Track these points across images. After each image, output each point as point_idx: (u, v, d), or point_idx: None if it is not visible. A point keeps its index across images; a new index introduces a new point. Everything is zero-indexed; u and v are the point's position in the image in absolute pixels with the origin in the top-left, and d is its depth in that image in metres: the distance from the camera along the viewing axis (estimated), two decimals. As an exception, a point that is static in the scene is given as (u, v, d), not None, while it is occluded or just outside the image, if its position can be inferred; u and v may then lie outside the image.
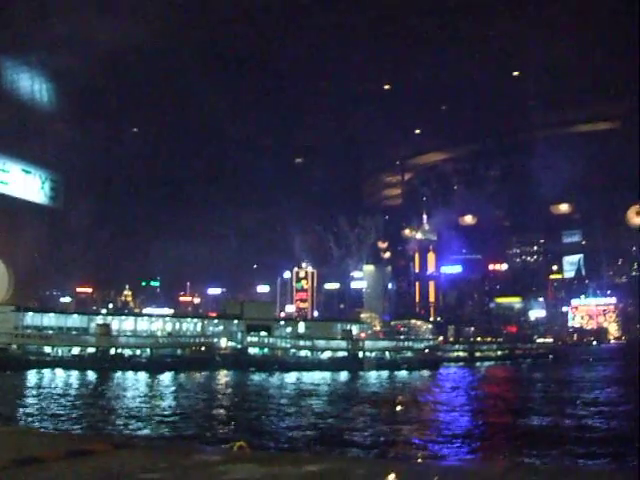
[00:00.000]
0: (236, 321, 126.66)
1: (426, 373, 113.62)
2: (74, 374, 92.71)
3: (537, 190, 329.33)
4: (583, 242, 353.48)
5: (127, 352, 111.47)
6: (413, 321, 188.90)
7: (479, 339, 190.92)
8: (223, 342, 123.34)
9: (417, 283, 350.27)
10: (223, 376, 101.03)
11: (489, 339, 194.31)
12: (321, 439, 39.96)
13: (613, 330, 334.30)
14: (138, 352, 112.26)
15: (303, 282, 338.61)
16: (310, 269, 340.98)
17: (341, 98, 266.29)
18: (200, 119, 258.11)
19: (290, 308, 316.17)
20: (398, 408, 55.70)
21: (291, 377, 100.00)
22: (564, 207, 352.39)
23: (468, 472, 11.23)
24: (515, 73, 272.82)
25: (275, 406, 58.89)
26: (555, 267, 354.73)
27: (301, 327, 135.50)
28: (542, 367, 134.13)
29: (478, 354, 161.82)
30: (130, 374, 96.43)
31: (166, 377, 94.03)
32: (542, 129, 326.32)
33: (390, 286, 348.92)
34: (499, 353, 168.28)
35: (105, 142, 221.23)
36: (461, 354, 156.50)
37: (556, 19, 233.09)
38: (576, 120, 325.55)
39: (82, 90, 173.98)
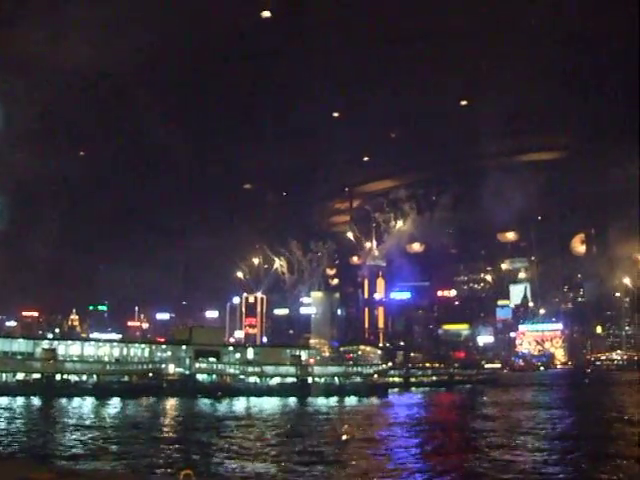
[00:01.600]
0: (184, 347, 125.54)
1: (375, 400, 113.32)
2: (19, 401, 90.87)
3: (485, 218, 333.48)
4: (529, 269, 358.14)
5: (73, 378, 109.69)
6: (362, 347, 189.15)
7: (427, 364, 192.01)
8: (171, 368, 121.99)
9: (366, 309, 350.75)
10: (170, 403, 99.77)
11: (428, 364, 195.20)
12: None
13: (560, 355, 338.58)
14: (84, 378, 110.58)
15: (252, 308, 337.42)
16: (260, 295, 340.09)
17: (290, 124, 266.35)
18: (148, 143, 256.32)
19: (239, 333, 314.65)
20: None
21: (239, 404, 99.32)
22: (511, 235, 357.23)
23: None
24: (463, 102, 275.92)
25: (219, 434, 58.28)
26: (502, 293, 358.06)
27: (250, 353, 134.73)
28: (484, 392, 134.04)
29: (413, 379, 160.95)
30: (76, 400, 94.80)
31: (112, 404, 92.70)
32: (490, 158, 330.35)
33: (339, 312, 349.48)
34: (434, 379, 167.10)
35: (52, 165, 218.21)
36: (396, 380, 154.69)
37: (505, 50, 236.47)
38: (523, 149, 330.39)
39: (27, 112, 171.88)
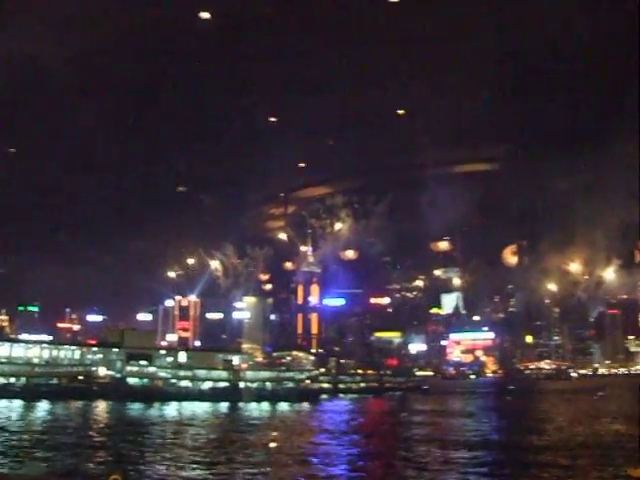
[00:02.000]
0: (116, 350, 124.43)
1: (307, 406, 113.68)
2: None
3: (419, 227, 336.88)
4: (462, 279, 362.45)
5: (1, 380, 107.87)
6: (295, 352, 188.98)
7: (359, 371, 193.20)
8: (102, 371, 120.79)
9: (300, 315, 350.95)
10: (100, 407, 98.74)
11: (360, 371, 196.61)
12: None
13: (490, 364, 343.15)
14: (12, 380, 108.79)
15: (186, 311, 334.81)
16: (193, 298, 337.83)
17: (226, 128, 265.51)
18: (81, 142, 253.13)
19: (172, 337, 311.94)
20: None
21: (171, 408, 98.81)
22: (444, 244, 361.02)
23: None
24: (400, 111, 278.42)
25: (149, 439, 57.97)
26: (435, 302, 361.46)
27: (182, 357, 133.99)
28: (414, 400, 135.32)
29: (342, 386, 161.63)
30: (3, 403, 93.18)
31: (41, 407, 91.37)
32: (426, 168, 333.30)
33: (273, 317, 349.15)
34: (362, 385, 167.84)
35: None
36: (327, 386, 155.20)
37: (442, 61, 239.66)
38: (459, 160, 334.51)
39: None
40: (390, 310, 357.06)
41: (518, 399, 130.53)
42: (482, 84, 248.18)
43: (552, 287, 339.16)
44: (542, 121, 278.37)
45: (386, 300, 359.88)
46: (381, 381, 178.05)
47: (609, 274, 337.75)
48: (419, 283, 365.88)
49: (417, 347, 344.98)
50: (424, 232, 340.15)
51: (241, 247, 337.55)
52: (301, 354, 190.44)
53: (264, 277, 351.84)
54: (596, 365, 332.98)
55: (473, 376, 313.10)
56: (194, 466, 43.19)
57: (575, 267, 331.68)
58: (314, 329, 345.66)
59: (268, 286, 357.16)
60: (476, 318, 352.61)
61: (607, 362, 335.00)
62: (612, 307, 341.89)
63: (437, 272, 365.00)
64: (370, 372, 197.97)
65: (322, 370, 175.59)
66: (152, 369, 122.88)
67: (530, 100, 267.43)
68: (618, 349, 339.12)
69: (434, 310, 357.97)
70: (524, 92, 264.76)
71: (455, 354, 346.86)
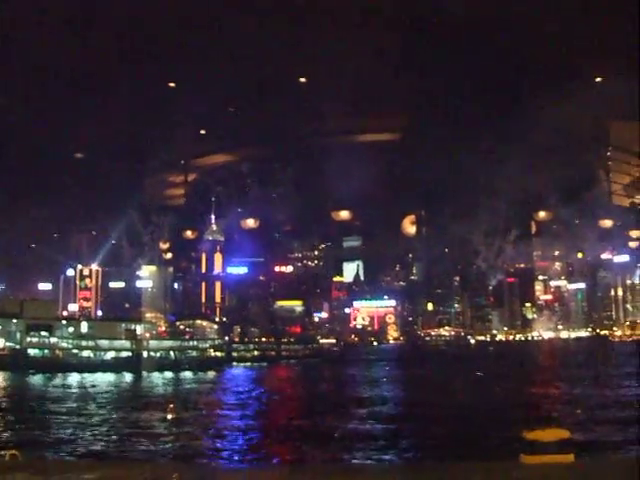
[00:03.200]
0: (15, 320, 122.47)
1: (212, 374, 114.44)
2: None
3: (322, 196, 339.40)
4: (363, 248, 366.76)
5: None
6: (199, 321, 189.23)
7: (262, 339, 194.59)
8: (0, 342, 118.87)
9: (203, 283, 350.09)
10: None
11: (264, 339, 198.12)
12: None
13: (392, 331, 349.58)
14: None
15: (87, 280, 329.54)
16: (94, 267, 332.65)
17: (124, 94, 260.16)
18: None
19: (73, 307, 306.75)
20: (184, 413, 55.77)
21: (72, 379, 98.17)
22: (345, 214, 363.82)
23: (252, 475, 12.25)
24: (302, 79, 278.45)
25: (49, 411, 57.47)
26: (336, 271, 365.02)
27: (84, 327, 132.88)
28: (318, 367, 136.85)
29: (235, 354, 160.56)
30: None
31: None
32: (326, 137, 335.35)
33: (176, 286, 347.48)
34: (256, 353, 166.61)
35: None
36: (219, 354, 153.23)
37: (344, 30, 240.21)
38: (361, 130, 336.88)
39: None
40: (293, 278, 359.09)
41: (422, 366, 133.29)
42: (384, 53, 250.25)
43: (452, 256, 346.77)
44: (443, 91, 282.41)
45: (289, 269, 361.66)
46: (278, 349, 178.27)
47: (508, 244, 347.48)
48: (321, 252, 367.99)
49: (320, 315, 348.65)
50: (327, 201, 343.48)
51: (146, 215, 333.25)
52: (205, 323, 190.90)
53: (165, 245, 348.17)
54: (494, 332, 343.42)
55: (375, 343, 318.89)
56: (94, 437, 43.13)
57: (475, 236, 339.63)
58: (218, 298, 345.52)
59: (171, 255, 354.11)
60: (378, 286, 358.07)
61: (505, 329, 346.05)
62: (510, 276, 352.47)
63: (339, 241, 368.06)
64: (267, 340, 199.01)
65: (227, 339, 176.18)
66: (53, 340, 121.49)
67: (431, 70, 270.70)
68: (515, 316, 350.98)
69: (337, 278, 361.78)
70: (425, 62, 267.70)
71: (358, 322, 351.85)
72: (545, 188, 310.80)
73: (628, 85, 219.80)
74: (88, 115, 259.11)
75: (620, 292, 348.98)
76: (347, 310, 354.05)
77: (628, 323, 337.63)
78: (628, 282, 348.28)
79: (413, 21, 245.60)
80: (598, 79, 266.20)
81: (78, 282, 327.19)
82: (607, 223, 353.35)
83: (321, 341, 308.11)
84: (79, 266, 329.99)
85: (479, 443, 37.62)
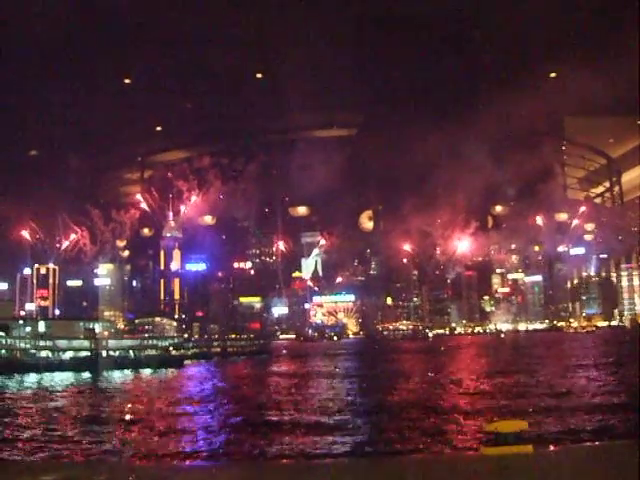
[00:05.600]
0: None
1: (171, 371, 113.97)
2: None
3: (278, 192, 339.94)
4: (321, 243, 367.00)
5: None
6: (158, 319, 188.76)
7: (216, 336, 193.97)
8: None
9: (162, 280, 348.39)
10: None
11: (234, 336, 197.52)
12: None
13: (352, 326, 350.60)
14: None
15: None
16: (52, 265, 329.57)
17: (78, 90, 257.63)
18: None
19: (31, 306, 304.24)
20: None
21: (30, 380, 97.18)
22: (303, 210, 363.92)
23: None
24: (258, 75, 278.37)
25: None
26: (295, 267, 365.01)
27: (42, 326, 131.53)
28: (274, 363, 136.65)
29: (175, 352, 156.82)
30: None
31: None
32: (284, 133, 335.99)
33: (135, 284, 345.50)
34: (196, 351, 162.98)
35: None
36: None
37: (304, 26, 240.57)
38: (315, 125, 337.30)
39: None
40: (252, 275, 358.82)
41: (381, 359, 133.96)
42: (340, 50, 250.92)
43: (411, 250, 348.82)
44: (400, 87, 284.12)
45: (248, 264, 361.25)
46: (224, 346, 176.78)
47: (466, 237, 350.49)
48: (280, 248, 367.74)
49: (279, 311, 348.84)
50: (285, 197, 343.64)
51: (103, 213, 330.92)
52: (164, 320, 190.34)
53: (122, 243, 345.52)
54: (453, 325, 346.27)
55: (335, 338, 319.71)
56: (48, 440, 42.60)
57: (433, 230, 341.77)
58: (177, 295, 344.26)
59: (130, 252, 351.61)
60: (337, 281, 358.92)
61: (464, 322, 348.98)
62: (468, 269, 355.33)
63: (298, 237, 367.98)
64: (208, 337, 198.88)
65: (187, 336, 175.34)
66: (10, 340, 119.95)
67: (387, 66, 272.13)
68: (474, 309, 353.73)
69: (296, 274, 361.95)
70: (381, 57, 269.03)
71: (317, 317, 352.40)
72: (501, 182, 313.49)
73: (582, 80, 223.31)
74: (43, 112, 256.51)
75: (576, 284, 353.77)
76: (307, 306, 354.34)
77: (584, 314, 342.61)
78: (584, 274, 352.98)
79: (369, 17, 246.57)
80: (553, 74, 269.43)
81: (35, 281, 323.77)
82: (562, 216, 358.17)
83: (281, 337, 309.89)
84: (36, 265, 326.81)
85: (439, 435, 38.00)
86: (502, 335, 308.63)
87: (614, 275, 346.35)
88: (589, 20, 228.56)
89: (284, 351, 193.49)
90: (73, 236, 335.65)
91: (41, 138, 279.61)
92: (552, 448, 22.33)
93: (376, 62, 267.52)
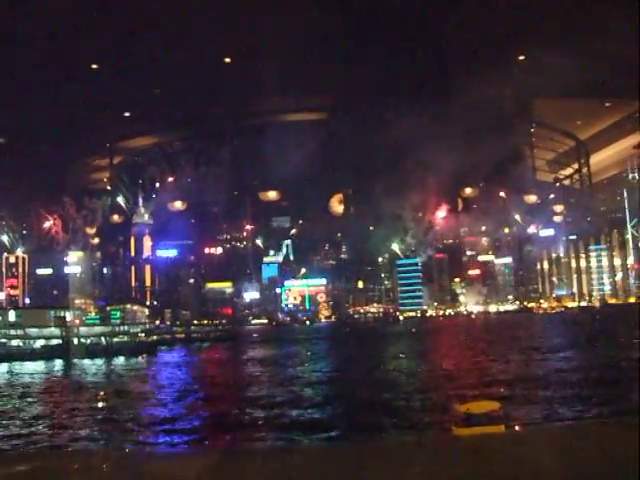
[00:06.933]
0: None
1: (143, 359, 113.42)
2: None
3: (248, 176, 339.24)
4: (292, 228, 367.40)
5: None
6: (129, 306, 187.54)
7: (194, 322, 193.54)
8: None
9: (133, 267, 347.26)
10: None
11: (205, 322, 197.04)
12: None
13: (324, 310, 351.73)
14: None
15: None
16: (20, 254, 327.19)
17: (45, 76, 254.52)
18: None
19: (0, 295, 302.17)
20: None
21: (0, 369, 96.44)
22: (274, 194, 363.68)
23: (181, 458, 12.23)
24: (227, 60, 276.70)
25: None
26: (266, 251, 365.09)
27: (12, 315, 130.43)
28: (247, 348, 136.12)
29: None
30: None
31: None
32: (254, 117, 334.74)
33: (105, 271, 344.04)
34: (166, 337, 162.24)
35: None
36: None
37: (268, 9, 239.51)
38: (285, 109, 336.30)
39: None
40: (223, 260, 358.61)
41: (354, 343, 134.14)
42: (310, 33, 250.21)
43: (381, 233, 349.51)
44: (370, 70, 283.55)
45: (219, 250, 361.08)
46: (187, 331, 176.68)
47: (437, 220, 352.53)
48: (249, 233, 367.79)
49: (251, 295, 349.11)
50: (255, 181, 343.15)
51: (72, 200, 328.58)
52: (136, 307, 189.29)
53: (92, 231, 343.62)
54: (424, 307, 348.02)
55: (308, 322, 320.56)
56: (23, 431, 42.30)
57: (404, 213, 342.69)
58: (148, 281, 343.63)
59: (99, 239, 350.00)
60: (308, 266, 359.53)
61: (435, 304, 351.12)
62: (439, 251, 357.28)
63: (268, 221, 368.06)
64: (171, 323, 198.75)
65: (159, 322, 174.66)
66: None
67: (358, 49, 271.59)
68: (445, 291, 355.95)
69: (267, 259, 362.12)
70: (352, 40, 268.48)
71: (289, 301, 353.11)
72: (471, 164, 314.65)
73: (550, 63, 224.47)
74: (9, 98, 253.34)
75: (546, 265, 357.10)
76: (278, 290, 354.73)
77: (554, 295, 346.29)
78: (553, 255, 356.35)
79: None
80: (521, 57, 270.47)
81: (4, 270, 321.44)
82: (532, 198, 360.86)
83: (253, 322, 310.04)
84: (5, 254, 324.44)
85: (410, 416, 38.15)
86: (472, 316, 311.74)
87: (583, 256, 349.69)
88: (558, 1, 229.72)
89: (255, 335, 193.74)
90: (44, 225, 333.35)
91: (7, 125, 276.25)
92: (523, 427, 22.50)
93: (345, 45, 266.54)
